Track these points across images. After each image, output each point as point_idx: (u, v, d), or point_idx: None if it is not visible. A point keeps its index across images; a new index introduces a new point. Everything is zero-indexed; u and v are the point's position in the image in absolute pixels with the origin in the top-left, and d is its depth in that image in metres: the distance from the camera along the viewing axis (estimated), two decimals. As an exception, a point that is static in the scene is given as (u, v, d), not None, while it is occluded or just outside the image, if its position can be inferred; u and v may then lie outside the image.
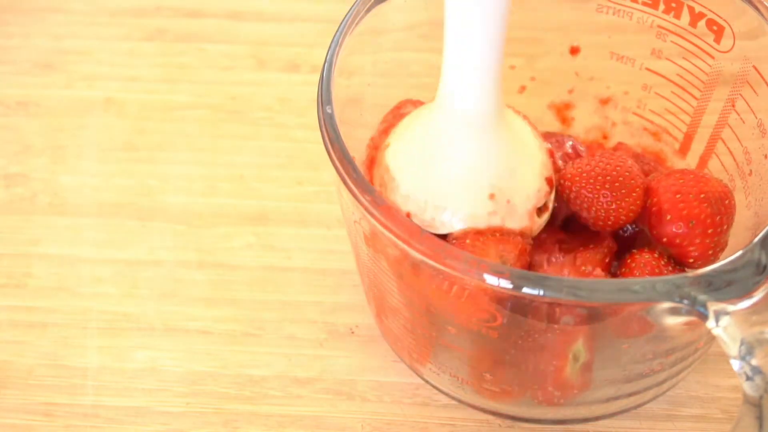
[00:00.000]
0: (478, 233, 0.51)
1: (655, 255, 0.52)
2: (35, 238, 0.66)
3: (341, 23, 0.53)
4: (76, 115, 0.72)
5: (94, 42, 0.76)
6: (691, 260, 0.52)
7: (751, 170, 0.55)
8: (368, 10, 0.54)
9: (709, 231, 0.51)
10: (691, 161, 0.61)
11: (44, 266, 0.64)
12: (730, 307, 0.42)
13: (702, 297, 0.43)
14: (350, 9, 0.54)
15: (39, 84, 0.74)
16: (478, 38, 0.49)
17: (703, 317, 0.43)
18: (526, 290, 0.44)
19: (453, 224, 0.51)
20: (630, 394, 0.54)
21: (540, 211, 0.53)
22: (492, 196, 0.51)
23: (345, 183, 0.48)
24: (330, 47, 0.52)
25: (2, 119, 0.72)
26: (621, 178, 0.52)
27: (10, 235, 0.66)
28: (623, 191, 0.52)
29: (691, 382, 0.58)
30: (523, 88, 0.64)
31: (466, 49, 0.50)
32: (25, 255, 0.65)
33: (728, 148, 0.57)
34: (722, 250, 0.52)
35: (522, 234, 0.52)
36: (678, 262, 0.52)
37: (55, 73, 0.75)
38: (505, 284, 0.44)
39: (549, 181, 0.53)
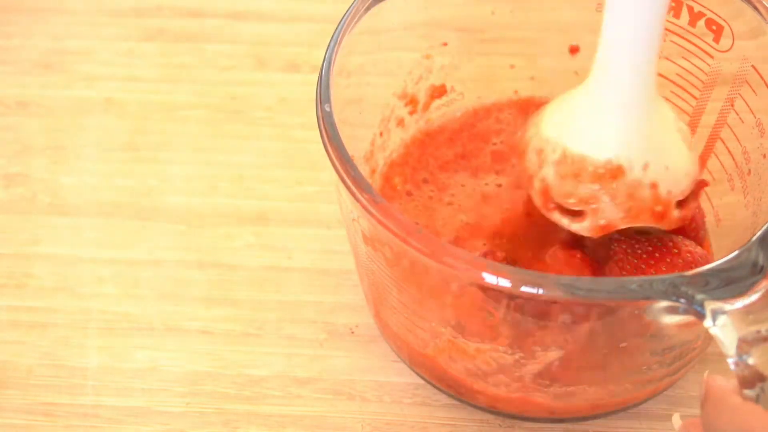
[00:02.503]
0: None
1: None
2: (35, 238, 0.66)
3: (340, 22, 0.53)
4: (76, 115, 0.72)
5: (94, 42, 0.76)
6: None
7: (749, 170, 0.55)
8: (367, 10, 0.54)
9: None
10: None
11: (44, 266, 0.65)
12: (728, 306, 0.42)
13: (699, 296, 0.43)
14: (349, 8, 0.54)
15: (39, 84, 0.74)
16: (641, 16, 0.49)
17: (701, 316, 0.43)
18: (524, 289, 0.44)
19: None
20: (628, 393, 0.54)
21: (679, 204, 0.53)
22: (646, 166, 0.51)
23: (343, 181, 0.48)
24: (329, 46, 0.52)
25: (2, 119, 0.72)
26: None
27: (10, 235, 0.66)
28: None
29: (690, 381, 0.58)
30: (522, 88, 0.64)
31: (626, 27, 0.49)
32: (25, 255, 0.65)
33: (727, 147, 0.57)
34: None
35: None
36: None
37: (55, 73, 0.75)
38: (504, 283, 0.44)
39: (694, 182, 0.53)
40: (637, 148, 0.50)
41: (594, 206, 0.51)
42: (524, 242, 0.58)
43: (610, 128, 0.51)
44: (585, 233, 0.52)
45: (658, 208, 0.51)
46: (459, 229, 0.59)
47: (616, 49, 0.50)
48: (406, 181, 0.62)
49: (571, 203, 0.52)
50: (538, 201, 0.53)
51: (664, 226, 0.52)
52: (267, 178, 0.68)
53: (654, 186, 0.51)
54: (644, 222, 0.52)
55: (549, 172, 0.52)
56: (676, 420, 0.47)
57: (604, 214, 0.51)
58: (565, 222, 0.52)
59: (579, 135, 0.52)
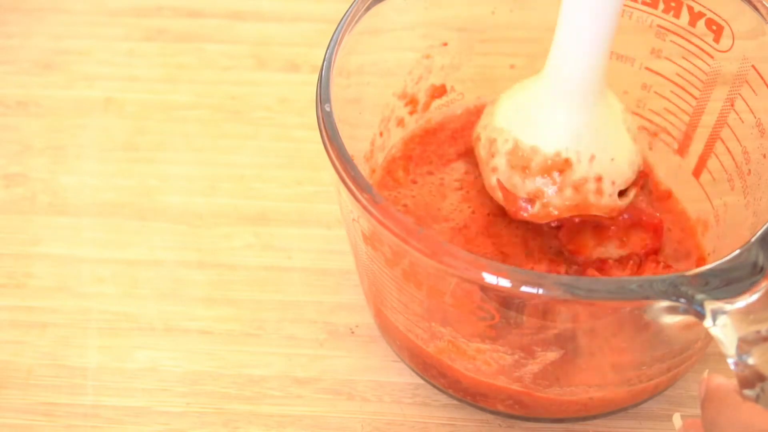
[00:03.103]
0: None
1: None
2: (35, 238, 0.66)
3: (340, 22, 0.53)
4: (76, 115, 0.72)
5: (94, 42, 0.76)
6: None
7: (749, 170, 0.55)
8: (367, 10, 0.54)
9: None
10: (690, 161, 0.60)
11: (44, 266, 0.65)
12: (728, 306, 0.42)
13: (699, 296, 0.43)
14: (349, 8, 0.54)
15: (39, 84, 0.74)
16: (594, 13, 0.51)
17: (701, 316, 0.43)
18: (524, 289, 0.44)
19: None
20: (628, 393, 0.54)
21: (621, 194, 0.56)
22: (592, 159, 0.54)
23: (343, 181, 0.48)
24: (329, 46, 0.52)
25: (2, 119, 0.72)
26: None
27: (10, 235, 0.66)
28: None
29: (690, 381, 0.58)
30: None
31: (578, 24, 0.52)
32: (25, 255, 0.65)
33: (727, 147, 0.57)
34: None
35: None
36: None
37: (55, 73, 0.75)
38: (504, 283, 0.44)
39: (637, 172, 0.56)
40: (586, 141, 0.54)
41: (542, 198, 0.54)
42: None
43: (561, 121, 0.54)
44: (531, 219, 0.55)
45: (603, 200, 0.55)
46: (467, 219, 0.59)
47: (569, 46, 0.52)
48: (408, 173, 0.62)
49: (520, 194, 0.55)
50: (488, 186, 0.57)
51: (607, 215, 0.55)
52: (267, 178, 0.68)
53: (599, 179, 0.54)
54: (588, 212, 0.55)
55: (501, 162, 0.55)
56: (677, 420, 0.47)
57: (550, 204, 0.54)
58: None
59: (531, 127, 0.55)
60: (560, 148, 0.54)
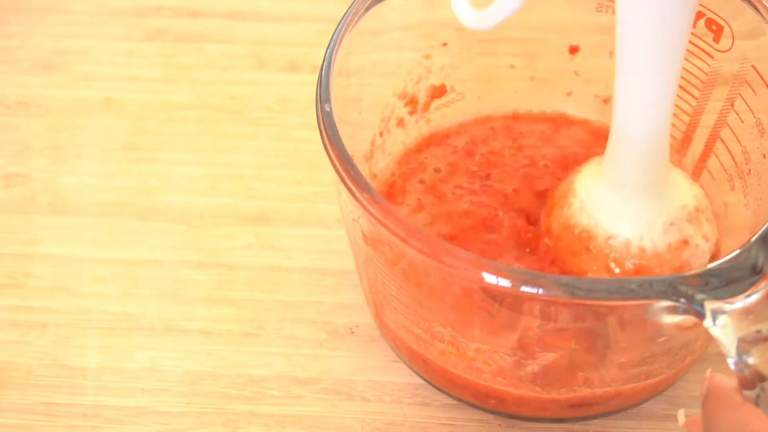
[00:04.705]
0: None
1: None
2: (35, 238, 0.66)
3: (340, 22, 0.53)
4: (76, 115, 0.72)
5: (94, 42, 0.76)
6: None
7: (749, 170, 0.55)
8: (367, 10, 0.54)
9: None
10: (690, 161, 0.61)
11: (44, 266, 0.65)
12: (728, 306, 0.42)
13: (699, 296, 0.43)
14: (349, 8, 0.54)
15: (39, 84, 0.74)
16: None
17: (701, 316, 0.43)
18: (524, 289, 0.44)
19: None
20: (628, 393, 0.54)
21: None
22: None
23: (343, 181, 0.48)
24: (329, 46, 0.52)
25: (2, 119, 0.72)
26: None
27: (10, 235, 0.66)
28: None
29: (690, 381, 0.58)
30: (522, 88, 0.64)
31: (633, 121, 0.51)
32: (25, 255, 0.65)
33: (727, 147, 0.57)
34: None
35: None
36: None
37: (55, 73, 0.75)
38: (504, 283, 0.44)
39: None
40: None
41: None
42: None
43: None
44: None
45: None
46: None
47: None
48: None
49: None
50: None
51: None
52: (267, 178, 0.68)
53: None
54: None
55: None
56: (681, 416, 0.47)
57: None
58: None
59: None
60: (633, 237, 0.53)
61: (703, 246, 0.54)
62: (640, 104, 0.50)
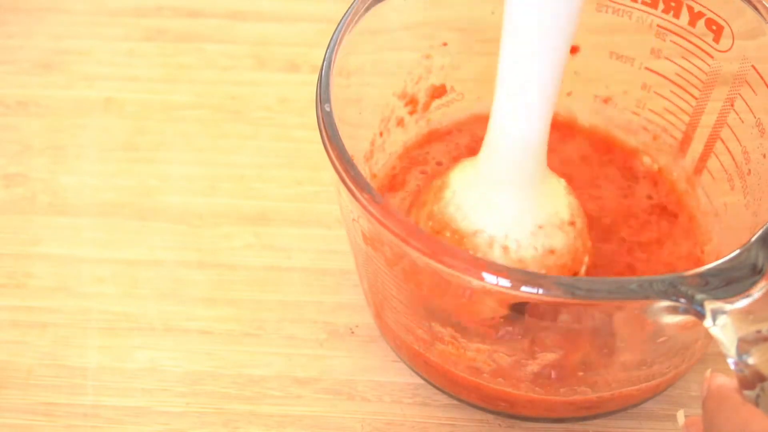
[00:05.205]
0: None
1: None
2: (35, 238, 0.66)
3: (340, 22, 0.53)
4: (76, 115, 0.72)
5: (94, 42, 0.76)
6: None
7: (749, 170, 0.55)
8: (367, 10, 0.54)
9: None
10: (690, 161, 0.61)
11: (44, 266, 0.65)
12: (728, 306, 0.42)
13: (699, 296, 0.43)
14: (349, 8, 0.54)
15: (39, 84, 0.74)
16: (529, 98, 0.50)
17: (700, 316, 0.43)
18: (524, 289, 0.44)
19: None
20: (628, 393, 0.54)
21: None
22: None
23: (343, 181, 0.48)
24: (329, 46, 0.52)
25: (2, 119, 0.72)
26: None
27: (10, 235, 0.66)
28: None
29: (690, 381, 0.58)
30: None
31: (513, 108, 0.50)
32: (25, 255, 0.65)
33: (727, 147, 0.57)
34: None
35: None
36: None
37: (55, 73, 0.75)
38: (504, 283, 0.44)
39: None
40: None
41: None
42: None
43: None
44: None
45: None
46: None
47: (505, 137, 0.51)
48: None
49: None
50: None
51: None
52: (267, 178, 0.68)
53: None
54: None
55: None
56: (681, 417, 0.47)
57: None
58: None
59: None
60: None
61: (567, 260, 0.53)
62: (519, 104, 0.50)
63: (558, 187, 0.55)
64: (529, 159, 0.51)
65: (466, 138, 0.63)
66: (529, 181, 0.52)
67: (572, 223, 0.54)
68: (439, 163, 0.62)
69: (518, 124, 0.50)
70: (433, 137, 0.64)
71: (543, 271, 0.52)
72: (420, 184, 0.61)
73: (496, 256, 0.52)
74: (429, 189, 0.56)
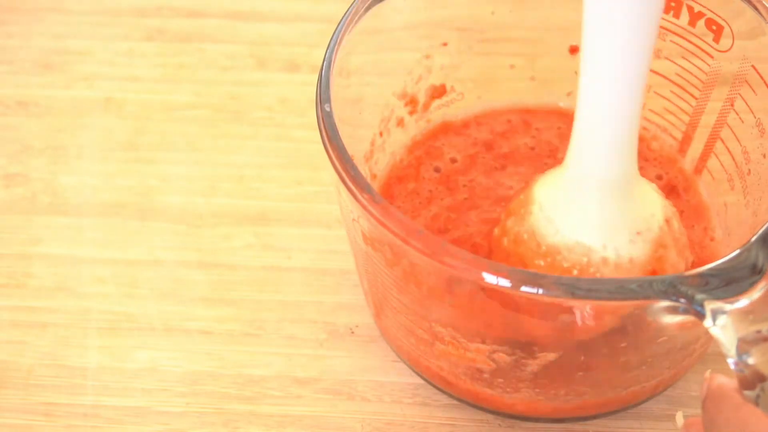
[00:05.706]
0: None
1: None
2: (35, 238, 0.66)
3: (340, 22, 0.53)
4: (76, 115, 0.72)
5: (94, 42, 0.76)
6: None
7: (749, 170, 0.55)
8: (367, 10, 0.54)
9: None
10: (690, 161, 0.61)
11: (44, 266, 0.65)
12: (728, 306, 0.42)
13: (699, 296, 0.43)
14: (349, 8, 0.54)
15: (39, 84, 0.74)
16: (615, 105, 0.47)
17: (701, 316, 0.43)
18: (524, 289, 0.44)
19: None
20: (628, 393, 0.54)
21: None
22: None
23: (343, 181, 0.48)
24: (329, 46, 0.52)
25: (2, 119, 0.72)
26: None
27: (10, 235, 0.66)
28: None
29: (690, 381, 0.58)
30: (522, 89, 0.64)
31: (599, 118, 0.48)
32: (25, 255, 0.65)
33: (727, 147, 0.57)
34: None
35: None
36: None
37: (55, 73, 0.75)
38: (504, 283, 0.44)
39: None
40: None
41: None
42: None
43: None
44: None
45: None
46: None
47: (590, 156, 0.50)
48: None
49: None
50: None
51: None
52: (267, 178, 0.68)
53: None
54: None
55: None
56: (680, 418, 0.47)
57: None
58: None
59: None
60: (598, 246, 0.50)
61: (677, 263, 0.52)
62: (608, 99, 0.47)
63: (648, 189, 0.53)
64: (622, 155, 0.49)
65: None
66: (624, 185, 0.50)
67: (669, 223, 0.52)
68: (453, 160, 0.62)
69: (610, 120, 0.48)
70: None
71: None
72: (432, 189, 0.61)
73: (595, 264, 0.50)
74: (508, 213, 0.54)
